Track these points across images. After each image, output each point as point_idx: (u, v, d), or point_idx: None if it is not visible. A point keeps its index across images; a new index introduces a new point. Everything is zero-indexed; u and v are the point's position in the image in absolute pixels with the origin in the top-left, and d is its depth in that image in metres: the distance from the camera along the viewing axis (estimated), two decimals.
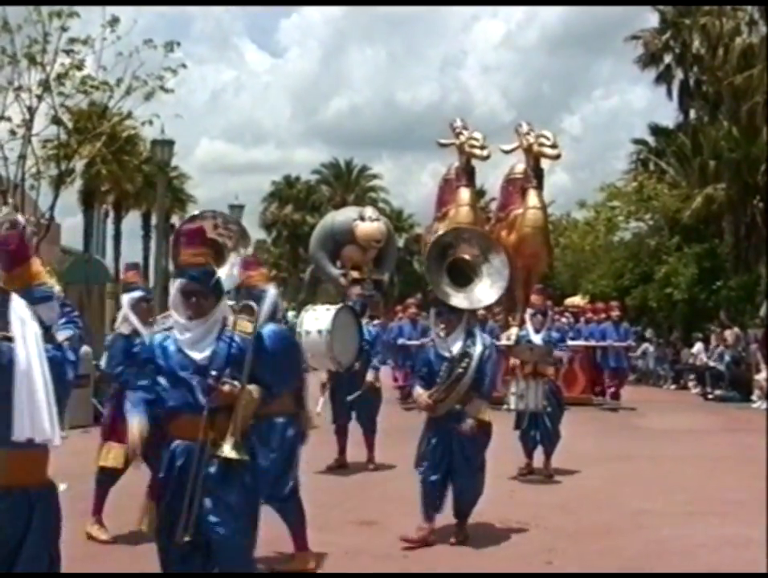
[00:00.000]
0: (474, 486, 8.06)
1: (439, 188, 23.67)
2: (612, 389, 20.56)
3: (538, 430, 11.37)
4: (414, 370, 9.12)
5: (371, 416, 12.07)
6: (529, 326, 11.94)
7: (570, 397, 18.70)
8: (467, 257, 8.25)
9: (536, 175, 21.44)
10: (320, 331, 10.40)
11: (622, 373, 21.04)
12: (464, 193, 21.61)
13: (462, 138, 21.40)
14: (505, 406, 11.46)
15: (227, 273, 8.66)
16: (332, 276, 31.38)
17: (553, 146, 21.06)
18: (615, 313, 20.94)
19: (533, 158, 21.34)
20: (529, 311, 12.24)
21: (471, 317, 8.39)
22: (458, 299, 8.11)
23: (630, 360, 22.62)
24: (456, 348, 7.89)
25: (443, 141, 22.02)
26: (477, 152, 21.24)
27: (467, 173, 21.81)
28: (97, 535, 7.89)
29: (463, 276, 8.24)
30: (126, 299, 8.05)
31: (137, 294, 7.87)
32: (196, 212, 9.89)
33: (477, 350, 7.87)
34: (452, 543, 7.91)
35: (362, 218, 29.16)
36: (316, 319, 10.33)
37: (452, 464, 7.92)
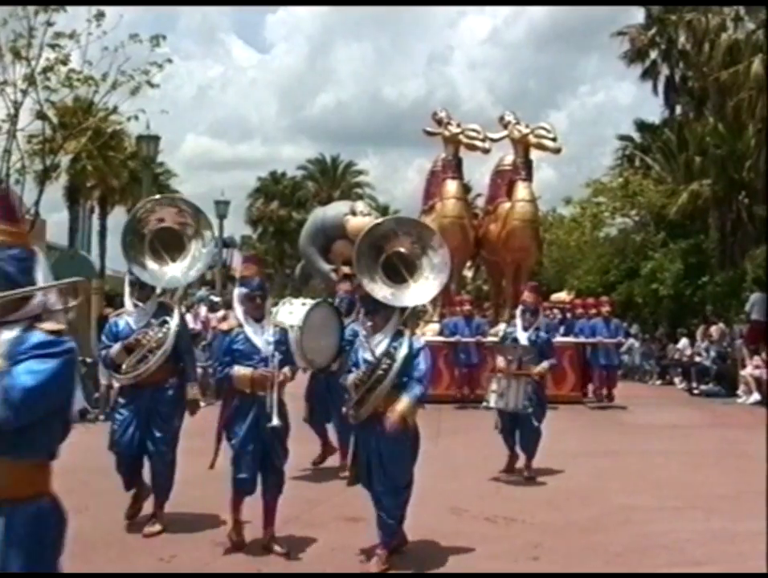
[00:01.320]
0: (395, 507, 7.21)
1: (426, 180, 22.84)
2: (605, 391, 19.68)
3: (518, 429, 11.01)
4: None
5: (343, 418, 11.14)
6: (517, 323, 11.44)
7: (560, 396, 18.46)
8: (402, 250, 7.51)
9: (525, 166, 20.90)
10: (291, 327, 10.21)
11: (612, 371, 20.11)
12: (451, 186, 21.02)
13: (452, 129, 20.81)
14: (484, 404, 11.21)
15: (188, 265, 8.42)
16: (322, 272, 31.20)
17: (554, 139, 20.51)
18: (606, 309, 20.11)
19: (523, 149, 20.80)
20: (520, 307, 11.63)
21: (406, 316, 7.57)
22: (390, 295, 7.37)
23: (620, 357, 21.89)
24: (381, 348, 7.17)
25: (430, 130, 21.32)
26: (479, 144, 20.56)
27: (453, 165, 21.16)
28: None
29: (398, 272, 7.50)
30: (236, 293, 8.02)
31: (244, 290, 7.76)
32: (156, 197, 9.53)
33: (402, 353, 7.11)
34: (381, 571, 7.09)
35: (353, 213, 28.93)
36: (290, 314, 10.07)
37: (374, 477, 7.23)
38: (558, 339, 19.07)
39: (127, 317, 8.27)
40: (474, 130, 20.77)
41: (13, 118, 20.50)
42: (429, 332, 20.15)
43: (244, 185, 71.51)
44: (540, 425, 10.99)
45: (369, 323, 7.38)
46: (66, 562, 7.13)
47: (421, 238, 7.55)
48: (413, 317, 7.90)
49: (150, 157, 23.68)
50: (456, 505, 9.20)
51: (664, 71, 40.82)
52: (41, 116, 21.30)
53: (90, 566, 7.08)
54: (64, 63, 20.64)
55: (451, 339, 19.01)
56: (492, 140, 21.02)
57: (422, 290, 7.50)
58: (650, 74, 41.10)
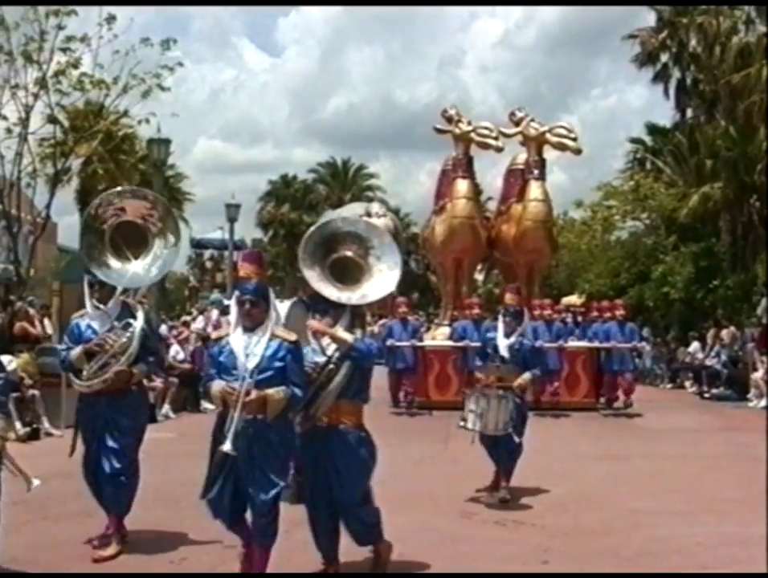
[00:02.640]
0: (362, 520, 6.92)
1: (437, 180, 21.97)
2: (622, 397, 18.70)
3: (499, 448, 9.91)
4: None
5: None
6: (499, 327, 10.32)
7: (573, 402, 18.27)
8: (349, 254, 7.00)
9: (538, 165, 20.25)
10: None
11: (624, 376, 18.81)
12: (461, 185, 20.34)
13: (463, 126, 20.16)
14: (461, 423, 9.76)
15: (150, 262, 7.88)
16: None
17: (575, 139, 19.89)
18: (620, 312, 19.18)
19: (536, 147, 20.21)
20: (501, 310, 10.54)
21: (357, 314, 6.99)
22: (341, 295, 6.86)
23: (636, 362, 20.69)
24: (334, 346, 6.77)
25: (440, 127, 20.60)
26: (492, 142, 19.83)
27: (464, 164, 20.45)
28: None
29: (347, 276, 7.00)
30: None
31: (236, 293, 7.23)
32: (120, 189, 8.76)
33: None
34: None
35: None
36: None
37: (332, 495, 6.80)
38: (571, 343, 18.96)
39: (89, 320, 7.79)
40: (486, 128, 20.18)
41: (24, 121, 20.63)
42: (440, 336, 20.03)
43: (255, 189, 71.74)
44: (521, 440, 9.95)
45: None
46: (77, 563, 7.19)
47: (361, 238, 7.05)
48: (359, 318, 7.00)
49: (161, 160, 23.72)
50: (466, 508, 9.20)
51: (675, 74, 40.77)
52: (52, 119, 21.41)
53: (100, 567, 7.12)
54: (75, 66, 20.78)
55: (459, 344, 18.29)
56: (506, 136, 20.36)
57: (378, 284, 6.98)
58: (661, 77, 41.05)
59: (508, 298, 10.58)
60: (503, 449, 9.84)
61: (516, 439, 9.78)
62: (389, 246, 7.12)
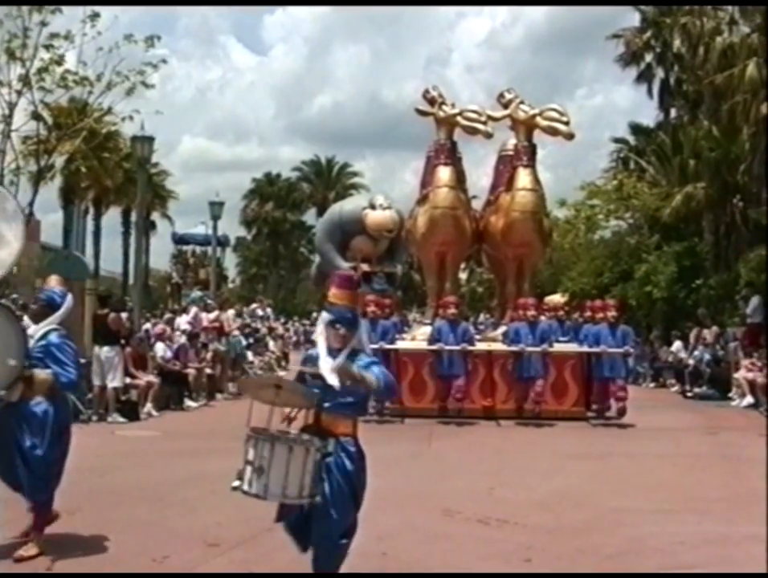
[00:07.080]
0: None
1: (423, 168, 20.10)
2: (620, 404, 16.86)
3: (317, 524, 5.89)
4: None
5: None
6: (320, 343, 6.01)
7: (561, 411, 17.07)
8: None
9: (527, 151, 18.72)
10: None
11: (617, 383, 16.98)
12: (443, 173, 18.73)
13: (447, 109, 18.73)
14: (236, 483, 5.66)
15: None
16: (340, 270, 30.32)
17: (567, 123, 18.31)
18: (612, 313, 17.41)
19: (525, 131, 18.71)
20: (324, 316, 6.07)
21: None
22: None
23: (628, 368, 18.90)
24: None
25: (422, 108, 19.21)
26: (481, 127, 18.20)
27: (447, 150, 18.87)
28: None
29: None
30: None
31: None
32: None
33: None
34: None
35: (373, 206, 27.62)
36: None
37: None
38: (558, 347, 17.52)
39: None
40: (474, 111, 18.55)
41: (7, 119, 20.56)
42: (420, 336, 18.25)
43: (241, 187, 71.65)
44: (348, 522, 6.05)
45: None
46: (59, 562, 7.17)
47: None
48: None
49: (145, 158, 23.63)
50: (449, 506, 9.20)
51: (659, 74, 41.04)
52: (36, 116, 21.34)
53: (83, 566, 7.09)
54: (59, 63, 20.71)
55: (433, 347, 16.89)
56: (494, 120, 18.69)
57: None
58: (645, 77, 41.30)
59: (335, 294, 6.13)
60: (315, 529, 5.92)
61: (335, 515, 5.87)
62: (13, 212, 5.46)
